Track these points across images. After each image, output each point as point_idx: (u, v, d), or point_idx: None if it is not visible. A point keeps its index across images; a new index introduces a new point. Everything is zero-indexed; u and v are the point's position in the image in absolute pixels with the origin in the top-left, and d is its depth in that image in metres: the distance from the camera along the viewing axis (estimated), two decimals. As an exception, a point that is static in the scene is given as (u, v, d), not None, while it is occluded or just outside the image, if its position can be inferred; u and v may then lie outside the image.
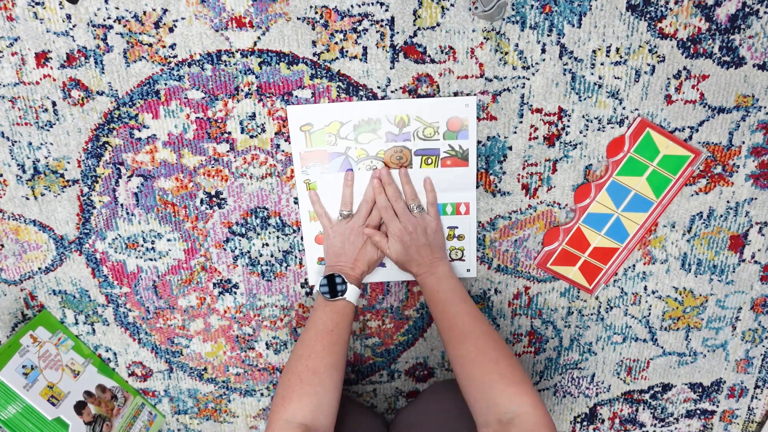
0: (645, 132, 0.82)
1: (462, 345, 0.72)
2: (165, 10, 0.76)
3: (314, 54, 0.79)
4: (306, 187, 0.86)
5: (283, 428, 0.69)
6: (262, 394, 1.02)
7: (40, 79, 0.79)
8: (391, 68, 0.80)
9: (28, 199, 0.86)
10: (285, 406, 0.71)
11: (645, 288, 0.94)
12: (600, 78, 0.80)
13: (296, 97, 0.81)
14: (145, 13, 0.76)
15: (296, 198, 0.87)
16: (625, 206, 0.86)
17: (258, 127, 0.83)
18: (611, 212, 0.87)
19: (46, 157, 0.84)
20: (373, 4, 0.77)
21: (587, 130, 0.83)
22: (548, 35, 0.78)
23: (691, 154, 0.83)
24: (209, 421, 1.05)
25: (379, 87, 0.81)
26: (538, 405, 0.65)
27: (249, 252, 0.91)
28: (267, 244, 0.90)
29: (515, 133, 0.84)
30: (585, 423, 1.07)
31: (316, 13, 0.77)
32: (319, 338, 0.78)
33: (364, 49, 0.79)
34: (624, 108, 0.82)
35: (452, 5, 0.77)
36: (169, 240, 0.90)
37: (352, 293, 0.81)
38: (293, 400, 0.72)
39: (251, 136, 0.84)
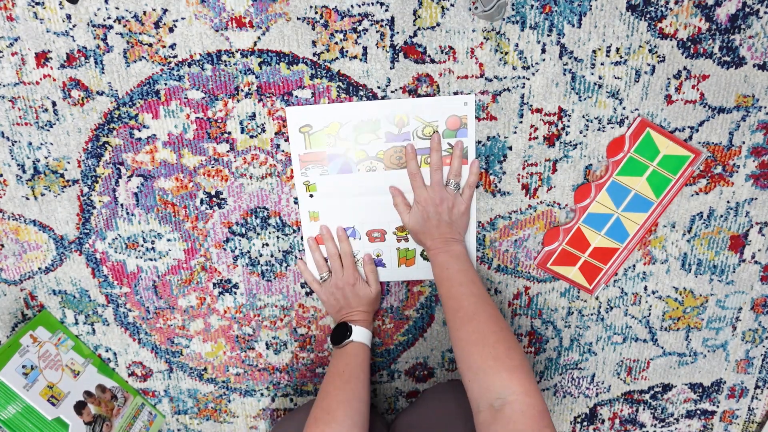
0: (645, 132, 0.82)
1: (464, 327, 0.71)
2: (165, 10, 0.76)
3: (314, 54, 0.79)
4: (306, 188, 0.86)
5: None
6: (262, 394, 1.02)
7: (40, 79, 0.80)
8: (391, 68, 0.80)
9: (28, 199, 0.86)
10: None
11: (645, 288, 0.94)
12: (600, 78, 0.80)
13: (296, 97, 0.81)
14: (145, 13, 0.76)
15: (296, 198, 0.87)
16: (625, 206, 0.86)
17: (258, 127, 0.83)
18: (611, 212, 0.86)
19: (46, 157, 0.84)
20: (373, 4, 0.77)
21: (587, 130, 0.83)
22: (548, 35, 0.78)
23: (691, 154, 0.83)
24: (209, 421, 1.05)
25: (379, 87, 0.81)
26: (530, 392, 0.62)
27: (249, 252, 0.91)
28: (267, 244, 0.90)
29: (515, 133, 0.84)
30: (585, 423, 1.07)
31: (316, 13, 0.77)
32: (332, 380, 0.80)
33: (364, 49, 0.79)
34: (624, 108, 0.82)
35: (452, 5, 0.77)
36: (169, 240, 0.90)
37: (358, 334, 0.85)
38: None
39: (251, 136, 0.84)
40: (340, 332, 0.86)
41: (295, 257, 0.91)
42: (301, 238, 0.89)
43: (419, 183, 0.83)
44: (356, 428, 0.75)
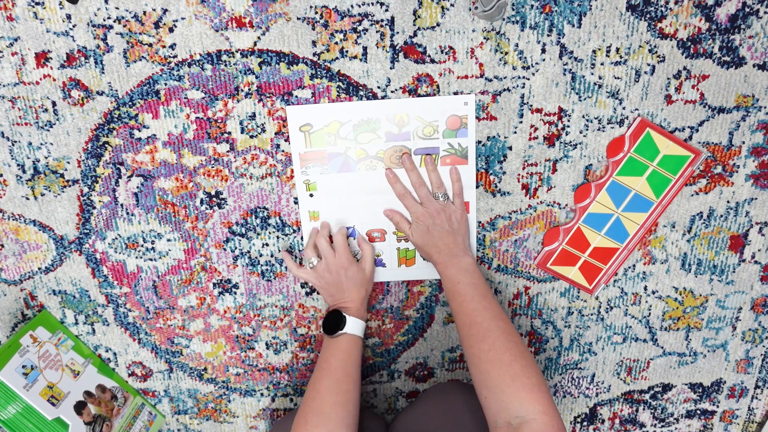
0: (645, 132, 0.82)
1: (478, 344, 0.71)
2: (165, 10, 0.76)
3: (314, 54, 0.79)
4: (306, 188, 0.86)
5: None
6: (262, 394, 1.02)
7: (40, 79, 0.80)
8: (391, 68, 0.80)
9: (28, 199, 0.86)
10: None
11: (645, 288, 0.94)
12: (600, 78, 0.80)
13: (296, 97, 0.81)
14: (145, 13, 0.76)
15: (296, 198, 0.87)
16: (625, 206, 0.86)
17: (258, 127, 0.83)
18: (611, 212, 0.87)
19: (46, 157, 0.84)
20: (373, 4, 0.77)
21: (587, 130, 0.83)
22: (548, 35, 0.78)
23: (691, 154, 0.83)
24: (209, 421, 1.05)
25: (379, 87, 0.81)
26: (548, 411, 0.63)
27: (249, 252, 0.91)
28: (267, 244, 0.90)
29: (515, 133, 0.84)
30: (585, 423, 1.07)
31: (316, 13, 0.77)
32: (323, 378, 0.78)
33: (364, 49, 0.79)
34: (624, 108, 0.82)
35: (452, 5, 0.77)
36: (169, 240, 0.90)
37: (352, 326, 0.83)
38: None
39: (251, 136, 0.84)
40: (334, 320, 0.83)
41: (295, 257, 0.91)
42: (301, 238, 0.89)
43: (411, 201, 0.83)
44: (350, 428, 0.75)
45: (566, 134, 0.84)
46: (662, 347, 0.99)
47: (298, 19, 0.77)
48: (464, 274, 0.78)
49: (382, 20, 0.77)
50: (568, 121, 0.83)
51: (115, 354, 0.98)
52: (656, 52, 0.79)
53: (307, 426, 0.73)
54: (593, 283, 0.92)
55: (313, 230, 0.88)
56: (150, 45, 0.78)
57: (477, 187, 0.86)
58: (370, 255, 0.87)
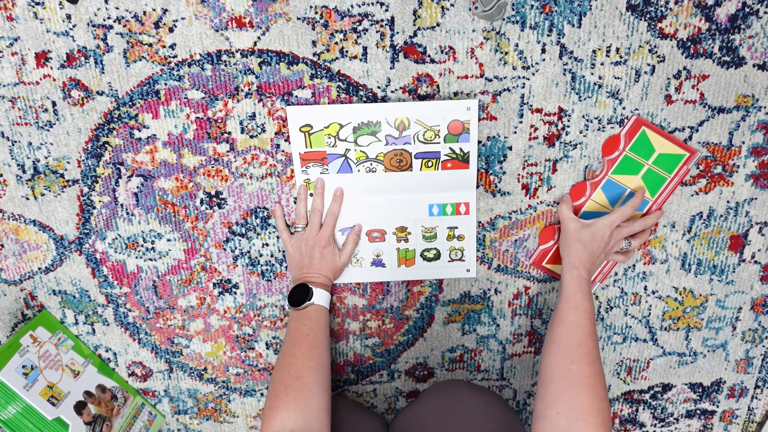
0: (640, 130, 0.82)
1: (583, 366, 0.71)
2: (165, 10, 0.76)
3: (314, 54, 0.79)
4: (306, 187, 0.86)
5: None
6: (262, 394, 1.02)
7: (40, 79, 0.80)
8: (391, 68, 0.80)
9: (28, 199, 0.86)
10: (273, 416, 0.71)
11: (645, 288, 0.94)
12: (600, 78, 0.80)
13: (296, 97, 0.81)
14: (145, 13, 0.76)
15: (296, 198, 0.87)
16: (621, 205, 0.86)
17: (258, 127, 0.83)
18: (606, 211, 0.87)
19: (46, 157, 0.84)
20: (373, 4, 0.77)
21: (587, 130, 0.83)
22: (548, 35, 0.78)
23: (686, 153, 0.83)
24: (209, 421, 1.05)
25: (379, 87, 0.81)
26: None
27: (249, 252, 0.91)
28: (267, 244, 0.90)
29: (515, 133, 0.84)
30: (585, 423, 1.07)
31: (316, 13, 0.77)
32: (297, 345, 0.78)
33: (364, 49, 0.79)
34: (624, 108, 0.82)
35: (452, 5, 0.77)
36: (169, 240, 0.90)
37: (319, 296, 0.82)
38: (281, 408, 0.72)
39: (251, 136, 0.84)
40: (300, 293, 0.83)
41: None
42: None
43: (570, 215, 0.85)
44: (326, 395, 0.75)
45: (566, 134, 0.84)
46: (662, 347, 0.99)
47: (298, 19, 0.77)
48: (590, 294, 0.78)
49: (382, 20, 0.77)
50: (568, 121, 0.83)
51: (115, 354, 0.98)
52: (656, 52, 0.79)
53: (287, 390, 0.73)
54: None
55: (304, 192, 0.86)
56: (150, 45, 0.78)
57: (477, 187, 0.86)
58: (351, 249, 0.87)
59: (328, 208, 0.86)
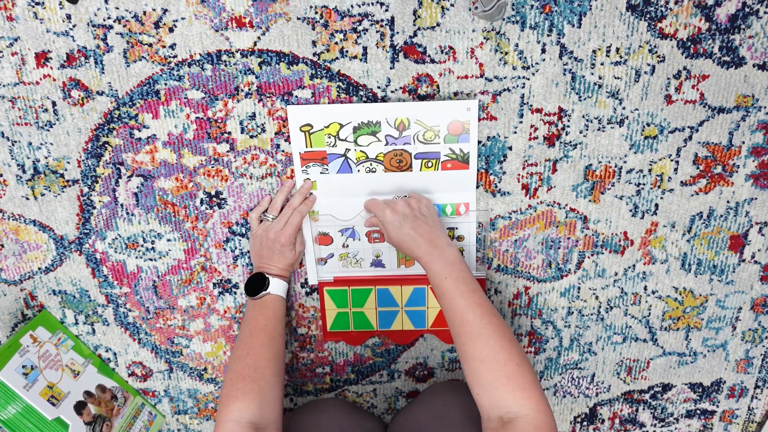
0: None
1: (472, 343, 0.69)
2: (165, 10, 0.76)
3: (314, 54, 0.79)
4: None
5: (232, 430, 0.69)
6: (262, 394, 1.02)
7: (40, 79, 0.79)
8: (391, 68, 0.80)
9: (28, 199, 0.86)
10: (231, 406, 0.72)
11: (645, 288, 0.94)
12: (600, 78, 0.80)
13: (296, 97, 0.81)
14: (145, 13, 0.76)
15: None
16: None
17: (258, 127, 0.83)
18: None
19: (46, 157, 0.84)
20: (373, 4, 0.77)
21: (587, 130, 0.83)
22: (548, 35, 0.78)
23: None
24: (209, 421, 1.05)
25: (379, 87, 0.81)
26: (542, 409, 0.64)
27: (249, 252, 0.91)
28: (267, 244, 0.90)
29: (515, 133, 0.84)
30: (585, 423, 1.07)
31: (316, 13, 0.77)
32: (254, 335, 0.79)
33: (364, 49, 0.79)
34: (624, 108, 0.82)
35: (452, 5, 0.77)
36: (169, 240, 0.90)
37: (276, 286, 0.83)
38: (238, 398, 0.72)
39: (251, 136, 0.84)
40: (257, 283, 0.83)
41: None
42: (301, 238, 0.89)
43: (378, 205, 0.82)
44: (280, 386, 0.77)
45: (566, 134, 0.84)
46: (662, 347, 0.99)
47: (298, 19, 0.77)
48: (451, 268, 0.74)
49: (382, 20, 0.77)
50: (568, 121, 0.83)
51: (115, 354, 0.98)
52: (656, 52, 0.79)
53: (245, 380, 0.74)
54: None
55: (290, 188, 0.86)
56: (150, 45, 0.78)
57: (477, 187, 0.86)
58: (301, 245, 0.87)
59: (297, 206, 0.85)
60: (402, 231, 0.78)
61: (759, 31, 0.78)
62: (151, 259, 0.91)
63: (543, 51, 0.79)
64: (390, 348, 0.99)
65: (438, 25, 0.78)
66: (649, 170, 0.86)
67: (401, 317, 0.95)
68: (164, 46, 0.78)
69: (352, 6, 0.77)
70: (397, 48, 0.79)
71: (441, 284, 0.73)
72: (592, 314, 0.96)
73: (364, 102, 0.82)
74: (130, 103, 0.81)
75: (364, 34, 0.78)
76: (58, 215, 0.88)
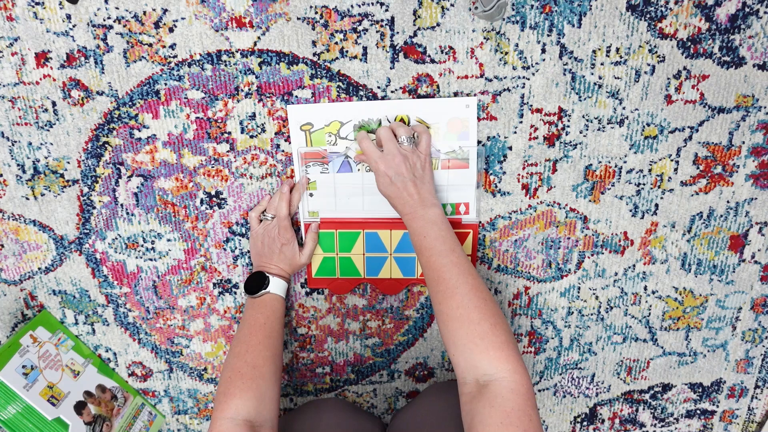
0: None
1: (446, 301, 0.68)
2: (165, 10, 0.76)
3: (314, 54, 0.79)
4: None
5: (228, 427, 0.69)
6: (262, 394, 1.02)
7: (40, 79, 0.79)
8: (391, 68, 0.80)
9: (28, 199, 0.86)
10: (227, 403, 0.72)
11: (645, 288, 0.94)
12: (600, 78, 0.80)
13: (296, 97, 0.81)
14: (145, 13, 0.76)
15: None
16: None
17: (258, 127, 0.83)
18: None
19: (46, 157, 0.84)
20: (373, 4, 0.77)
21: (587, 130, 0.83)
22: (548, 35, 0.78)
23: None
24: (209, 421, 1.05)
25: (379, 87, 0.81)
26: (517, 369, 0.62)
27: (249, 252, 0.91)
28: (267, 244, 0.90)
29: (515, 133, 0.84)
30: (585, 423, 1.07)
31: (316, 13, 0.77)
32: (253, 333, 0.79)
33: (364, 49, 0.79)
34: (624, 108, 0.82)
35: (452, 5, 0.77)
36: (169, 240, 0.90)
37: (275, 285, 0.83)
38: (235, 395, 0.72)
39: (251, 136, 0.84)
40: (256, 281, 0.83)
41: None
42: (301, 238, 0.89)
43: (370, 146, 0.78)
44: (277, 385, 0.77)
45: (566, 134, 0.84)
46: (662, 347, 0.99)
47: (298, 19, 0.77)
48: (431, 227, 0.73)
49: (382, 20, 0.77)
50: (568, 121, 0.83)
51: (115, 354, 0.98)
52: (656, 52, 0.79)
53: (243, 378, 0.74)
54: None
55: (289, 186, 0.85)
56: (150, 45, 0.78)
57: (477, 187, 0.86)
58: (311, 248, 0.87)
59: (293, 201, 0.85)
60: (390, 188, 0.77)
61: (759, 31, 0.78)
62: (151, 259, 0.91)
63: (543, 51, 0.79)
64: (390, 348, 0.99)
65: (438, 25, 0.78)
66: (649, 170, 0.86)
67: (390, 264, 0.92)
68: (164, 46, 0.78)
69: (352, 6, 0.77)
70: (397, 48, 0.79)
71: (420, 242, 0.74)
72: (592, 314, 0.96)
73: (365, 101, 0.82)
74: (130, 103, 0.81)
75: (364, 34, 0.78)
76: (58, 215, 0.88)
